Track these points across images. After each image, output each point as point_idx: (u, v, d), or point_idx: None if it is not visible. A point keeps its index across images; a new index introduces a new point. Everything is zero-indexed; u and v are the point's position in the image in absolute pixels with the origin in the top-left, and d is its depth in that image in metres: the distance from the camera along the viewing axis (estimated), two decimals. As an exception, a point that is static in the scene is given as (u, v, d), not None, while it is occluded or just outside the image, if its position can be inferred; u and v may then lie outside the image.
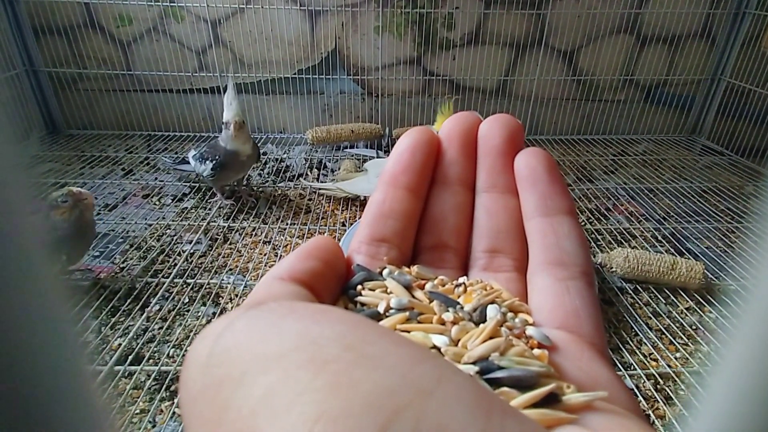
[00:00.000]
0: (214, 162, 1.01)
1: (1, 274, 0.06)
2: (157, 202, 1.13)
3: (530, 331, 0.15)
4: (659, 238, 1.03)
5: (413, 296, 0.16)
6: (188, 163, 1.12)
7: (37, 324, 0.06)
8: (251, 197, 1.13)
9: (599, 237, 1.03)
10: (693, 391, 0.67)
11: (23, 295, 0.06)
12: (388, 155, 0.19)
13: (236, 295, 0.83)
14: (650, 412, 0.65)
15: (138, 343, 0.72)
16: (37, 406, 0.06)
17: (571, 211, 0.17)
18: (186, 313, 0.79)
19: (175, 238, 0.98)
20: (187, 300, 0.82)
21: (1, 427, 0.06)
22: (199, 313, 0.79)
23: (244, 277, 0.88)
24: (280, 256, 0.94)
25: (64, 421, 0.07)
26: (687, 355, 0.74)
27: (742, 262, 0.95)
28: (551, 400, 0.12)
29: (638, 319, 0.81)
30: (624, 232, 1.05)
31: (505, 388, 0.13)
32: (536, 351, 0.14)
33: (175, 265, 0.90)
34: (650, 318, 0.81)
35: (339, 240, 0.91)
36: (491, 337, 0.14)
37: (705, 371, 0.66)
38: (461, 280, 0.17)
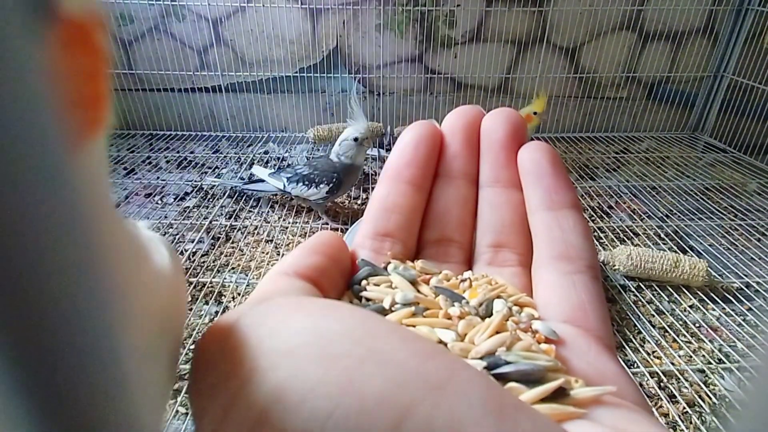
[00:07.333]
0: (330, 184, 0.94)
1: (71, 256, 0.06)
2: (159, 201, 1.13)
3: (537, 325, 0.15)
4: (662, 235, 1.03)
5: (418, 291, 0.16)
6: (260, 181, 1.06)
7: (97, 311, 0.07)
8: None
9: (602, 235, 1.02)
10: (696, 389, 0.67)
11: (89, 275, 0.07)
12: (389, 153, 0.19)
13: (239, 294, 0.83)
14: (654, 410, 0.65)
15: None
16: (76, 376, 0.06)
17: (576, 205, 0.17)
18: (188, 311, 0.79)
19: (177, 237, 0.98)
20: (189, 298, 0.82)
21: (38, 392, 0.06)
22: (202, 312, 0.79)
23: (247, 275, 0.88)
24: (283, 254, 0.94)
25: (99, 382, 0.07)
26: (690, 353, 0.73)
27: (745, 260, 0.94)
28: (559, 395, 0.12)
29: (641, 316, 0.80)
30: (627, 229, 1.05)
31: (512, 383, 0.13)
32: (543, 345, 0.14)
33: (178, 263, 0.90)
34: (653, 316, 0.81)
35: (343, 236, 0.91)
36: (498, 332, 0.14)
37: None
38: (466, 274, 0.17)
